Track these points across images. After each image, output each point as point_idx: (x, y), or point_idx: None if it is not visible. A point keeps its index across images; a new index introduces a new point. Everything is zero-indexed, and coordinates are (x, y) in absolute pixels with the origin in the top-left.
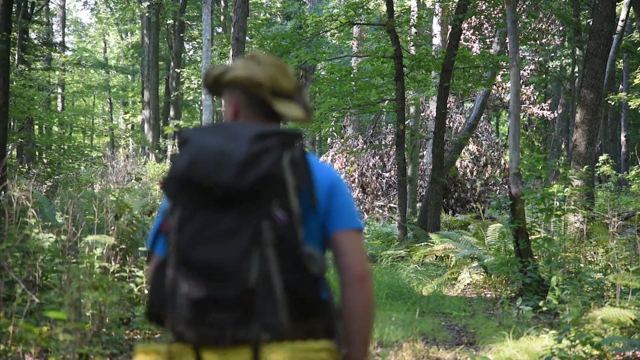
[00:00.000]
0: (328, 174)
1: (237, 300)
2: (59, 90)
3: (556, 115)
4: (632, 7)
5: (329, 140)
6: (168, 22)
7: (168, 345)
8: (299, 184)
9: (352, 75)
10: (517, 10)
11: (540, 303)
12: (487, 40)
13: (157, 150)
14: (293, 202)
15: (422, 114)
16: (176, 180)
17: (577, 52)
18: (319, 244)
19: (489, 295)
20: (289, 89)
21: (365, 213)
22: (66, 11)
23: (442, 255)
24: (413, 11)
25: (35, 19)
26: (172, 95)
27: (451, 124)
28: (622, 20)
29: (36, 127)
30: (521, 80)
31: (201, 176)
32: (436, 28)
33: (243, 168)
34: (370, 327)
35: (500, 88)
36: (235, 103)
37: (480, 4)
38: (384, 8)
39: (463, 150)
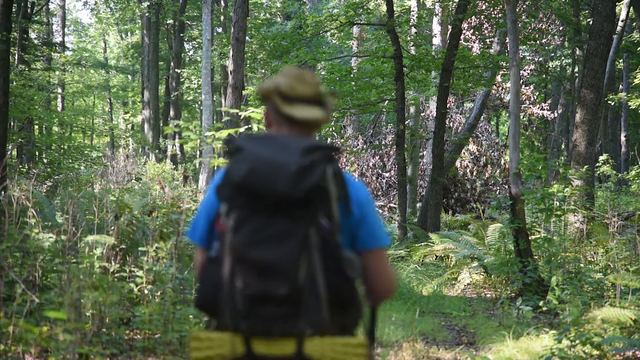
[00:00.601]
0: (360, 188)
1: (287, 297)
2: (59, 90)
3: (556, 115)
4: (632, 7)
5: (329, 140)
6: (168, 22)
7: (220, 333)
8: (339, 195)
9: (352, 75)
10: (517, 10)
11: (540, 303)
12: (487, 40)
13: (157, 150)
14: (335, 210)
15: (422, 114)
16: (234, 185)
17: (577, 52)
18: (349, 248)
19: (489, 295)
20: (306, 94)
21: None
22: (66, 11)
23: (442, 255)
24: (413, 11)
25: (35, 19)
26: (172, 95)
27: (451, 124)
28: (622, 20)
29: (36, 127)
30: (521, 80)
31: (259, 184)
32: (436, 28)
33: (296, 178)
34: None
35: (500, 88)
36: (267, 113)
37: (480, 4)
38: (384, 8)
39: (463, 150)
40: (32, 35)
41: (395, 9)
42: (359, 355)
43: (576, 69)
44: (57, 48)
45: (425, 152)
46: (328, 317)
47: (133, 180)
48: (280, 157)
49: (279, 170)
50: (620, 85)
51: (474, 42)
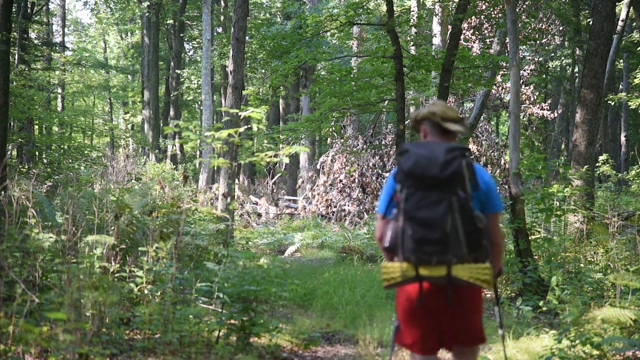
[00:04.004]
0: (485, 173)
1: (439, 240)
2: (59, 90)
3: (556, 115)
4: (632, 7)
5: (329, 140)
6: (168, 22)
7: (400, 263)
8: (470, 177)
9: (352, 75)
10: (517, 10)
11: (540, 303)
12: (487, 40)
13: (157, 150)
14: (467, 187)
15: None
16: (404, 173)
17: (577, 52)
18: (479, 210)
19: (489, 295)
20: (454, 116)
21: (365, 213)
22: (66, 11)
23: None
24: (413, 11)
25: (35, 19)
26: (172, 95)
27: None
28: (622, 20)
29: (36, 127)
30: (521, 80)
31: (420, 171)
32: (436, 28)
33: (443, 167)
34: (501, 259)
35: (500, 88)
36: (425, 129)
37: (480, 4)
38: (384, 8)
39: None
40: (32, 35)
41: (395, 9)
42: (486, 273)
43: (576, 69)
44: (57, 48)
45: None
46: (466, 252)
47: (133, 180)
48: (432, 154)
49: (432, 162)
50: (620, 85)
51: (474, 42)
